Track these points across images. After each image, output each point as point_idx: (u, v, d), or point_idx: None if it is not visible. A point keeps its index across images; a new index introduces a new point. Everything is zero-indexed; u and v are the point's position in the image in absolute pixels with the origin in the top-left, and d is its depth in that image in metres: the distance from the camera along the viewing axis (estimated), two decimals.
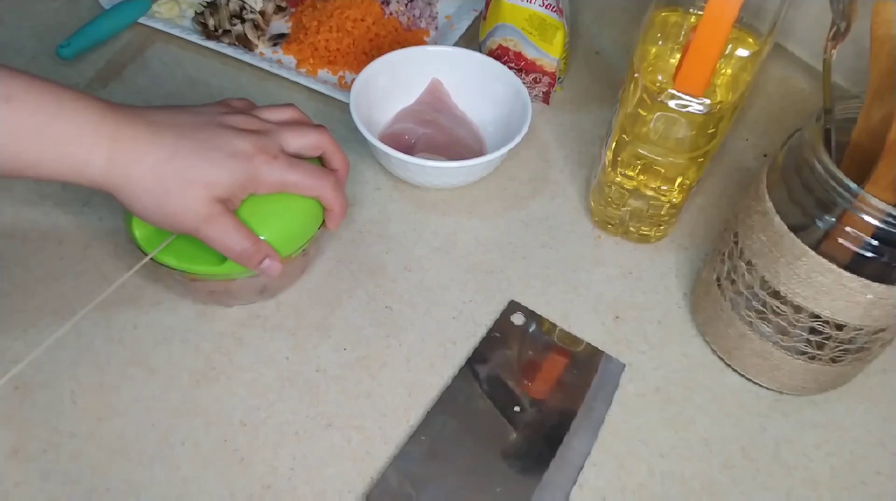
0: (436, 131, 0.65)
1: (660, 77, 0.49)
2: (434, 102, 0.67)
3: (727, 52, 0.47)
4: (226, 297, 0.52)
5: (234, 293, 0.52)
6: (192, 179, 0.44)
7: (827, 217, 0.42)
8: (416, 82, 0.68)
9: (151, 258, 0.47)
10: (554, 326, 0.55)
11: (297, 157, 0.49)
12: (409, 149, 0.62)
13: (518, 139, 0.59)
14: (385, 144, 0.59)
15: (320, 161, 0.52)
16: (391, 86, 0.66)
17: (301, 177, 0.48)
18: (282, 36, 0.74)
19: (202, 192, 0.44)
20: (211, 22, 0.72)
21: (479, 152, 0.64)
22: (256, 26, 0.73)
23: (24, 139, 0.40)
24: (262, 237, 0.47)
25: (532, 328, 0.55)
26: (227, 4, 0.72)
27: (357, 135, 0.66)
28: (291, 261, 0.51)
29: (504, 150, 0.59)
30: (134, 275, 0.55)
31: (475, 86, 0.67)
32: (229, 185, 0.45)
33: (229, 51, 0.70)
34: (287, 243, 0.49)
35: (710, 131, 0.50)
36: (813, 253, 0.43)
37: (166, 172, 0.43)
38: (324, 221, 0.52)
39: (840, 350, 0.47)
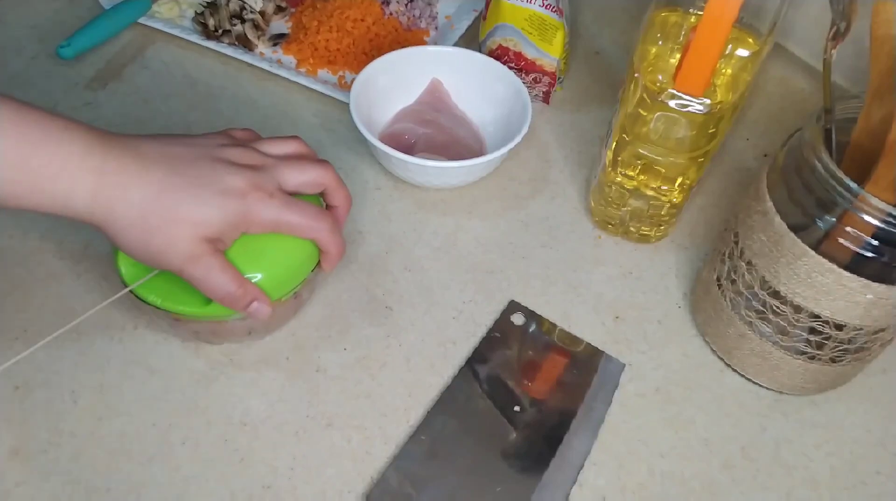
0: (436, 131, 0.65)
1: (660, 77, 0.49)
2: (434, 102, 0.68)
3: (727, 52, 0.47)
4: (211, 336, 0.50)
5: (220, 334, 0.50)
6: (179, 217, 0.42)
7: (827, 217, 0.42)
8: (417, 82, 0.68)
9: (136, 295, 0.46)
10: (554, 326, 0.55)
11: (297, 193, 0.47)
12: (408, 149, 0.62)
13: (518, 139, 0.59)
14: (385, 143, 0.59)
15: (322, 196, 0.50)
16: (391, 86, 0.66)
17: (297, 218, 0.45)
18: (282, 36, 0.74)
19: (189, 231, 0.42)
20: (211, 22, 0.72)
21: (479, 152, 0.64)
22: (256, 26, 0.73)
23: (5, 171, 0.38)
24: (254, 278, 0.45)
25: (532, 327, 0.55)
26: (227, 4, 0.72)
27: (357, 135, 0.66)
28: (282, 304, 0.49)
29: (504, 150, 0.59)
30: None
31: (475, 86, 0.67)
32: (219, 224, 0.43)
33: (229, 51, 0.71)
34: (278, 286, 0.47)
35: (710, 131, 0.50)
36: (813, 253, 0.43)
37: (153, 209, 0.41)
38: (319, 262, 0.49)
39: (840, 350, 0.47)
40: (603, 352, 0.54)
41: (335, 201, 0.50)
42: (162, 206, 0.41)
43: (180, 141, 0.45)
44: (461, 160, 0.58)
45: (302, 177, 0.47)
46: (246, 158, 0.45)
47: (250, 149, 0.46)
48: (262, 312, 0.46)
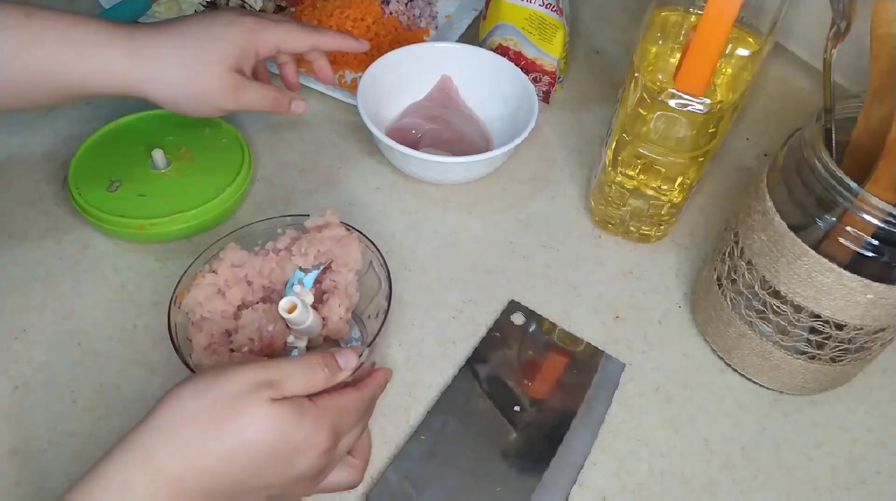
0: (442, 127, 0.65)
1: (660, 76, 0.49)
2: (443, 99, 0.68)
3: (727, 51, 0.47)
4: None
5: None
6: (207, 58, 0.50)
7: (827, 217, 0.42)
8: (426, 78, 0.68)
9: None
10: (554, 325, 0.55)
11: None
12: (414, 144, 0.62)
13: (524, 135, 0.59)
14: (391, 138, 0.59)
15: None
16: (399, 81, 0.66)
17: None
18: None
19: (219, 67, 0.50)
20: None
21: (485, 150, 0.64)
22: None
23: (49, 46, 0.46)
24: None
25: (532, 327, 0.55)
26: (227, 4, 0.72)
27: (358, 134, 0.66)
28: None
29: (506, 148, 0.59)
30: (134, 274, 0.55)
31: (484, 83, 0.67)
32: (236, 53, 0.51)
33: None
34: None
35: (710, 131, 0.50)
36: (813, 253, 0.43)
37: (186, 59, 0.50)
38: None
39: (840, 350, 0.47)
40: (603, 352, 0.54)
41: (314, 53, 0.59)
42: (190, 52, 0.50)
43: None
44: (464, 156, 0.58)
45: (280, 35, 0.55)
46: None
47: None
48: (301, 107, 0.58)
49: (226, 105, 0.53)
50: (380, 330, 0.47)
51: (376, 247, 0.50)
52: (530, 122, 0.60)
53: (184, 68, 0.50)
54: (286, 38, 0.55)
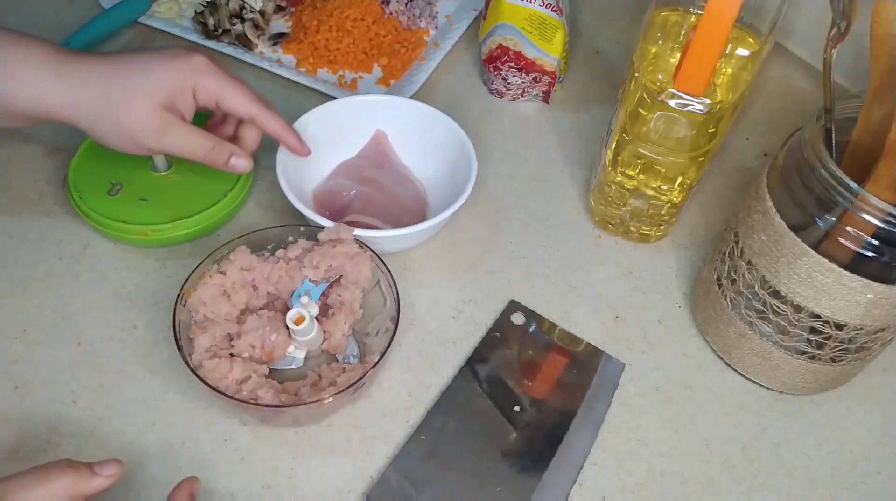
0: (374, 190, 0.59)
1: (660, 76, 0.49)
2: (376, 156, 0.62)
3: (727, 51, 0.47)
4: (261, 422, 0.49)
5: (268, 422, 0.49)
6: (134, 88, 0.47)
7: (827, 217, 0.42)
8: (359, 133, 0.62)
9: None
10: (554, 326, 0.55)
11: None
12: (344, 208, 0.58)
13: (461, 201, 0.54)
14: (320, 200, 0.58)
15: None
16: (329, 137, 0.60)
17: (240, 87, 0.51)
18: (282, 35, 0.73)
19: (147, 101, 0.47)
20: (211, 21, 0.71)
21: (419, 214, 0.59)
22: (256, 26, 0.73)
23: None
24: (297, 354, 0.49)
25: (532, 327, 0.55)
26: (227, 4, 0.72)
27: None
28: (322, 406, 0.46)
29: (437, 219, 0.53)
30: (134, 274, 0.55)
31: (420, 137, 0.61)
32: (168, 88, 0.47)
33: (229, 50, 0.70)
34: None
35: (710, 131, 0.50)
36: (813, 253, 0.43)
37: (111, 83, 0.46)
38: None
39: (840, 350, 0.47)
40: (603, 352, 0.54)
41: (269, 129, 0.53)
42: (118, 78, 0.47)
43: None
44: (390, 229, 0.54)
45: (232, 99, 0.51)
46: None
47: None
48: (241, 165, 0.52)
49: (148, 143, 0.48)
50: (384, 353, 0.47)
51: (387, 268, 0.50)
52: (468, 183, 0.55)
53: (105, 97, 0.46)
54: (228, 94, 0.50)
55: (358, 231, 0.51)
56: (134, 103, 0.47)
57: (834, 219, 0.42)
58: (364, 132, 0.62)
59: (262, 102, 0.52)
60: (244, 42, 0.72)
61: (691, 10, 0.49)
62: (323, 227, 0.52)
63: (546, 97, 0.70)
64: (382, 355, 0.46)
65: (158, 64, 0.48)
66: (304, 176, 0.58)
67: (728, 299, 0.50)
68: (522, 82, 0.69)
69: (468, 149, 0.58)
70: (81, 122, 0.47)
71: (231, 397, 0.45)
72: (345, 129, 0.61)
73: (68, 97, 0.46)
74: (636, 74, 0.50)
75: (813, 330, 0.46)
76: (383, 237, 0.53)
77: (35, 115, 0.47)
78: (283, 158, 0.55)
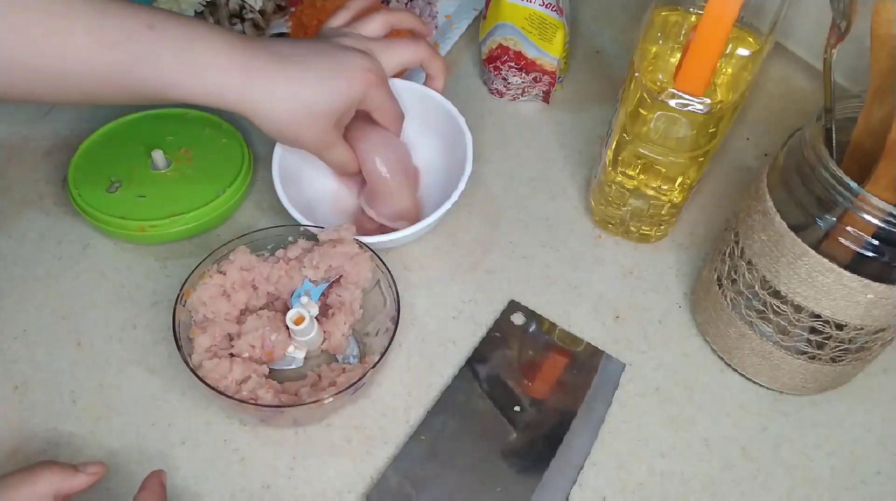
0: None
1: (660, 76, 0.49)
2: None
3: (728, 51, 0.47)
4: (260, 422, 0.50)
5: (268, 422, 0.49)
6: (316, 111, 0.49)
7: (828, 217, 0.42)
8: None
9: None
10: (554, 326, 0.55)
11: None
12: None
13: (462, 186, 0.55)
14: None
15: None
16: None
17: (390, 97, 0.55)
18: (282, 35, 0.73)
19: (324, 122, 0.50)
20: (210, 21, 0.71)
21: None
22: (256, 26, 0.72)
23: (165, 62, 0.45)
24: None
25: (532, 327, 0.55)
26: (227, 4, 0.72)
27: None
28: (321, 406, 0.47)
29: (441, 210, 0.54)
30: (134, 274, 0.55)
31: (417, 121, 0.60)
32: (343, 108, 0.51)
33: None
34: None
35: (710, 131, 0.50)
36: (814, 253, 0.43)
37: (294, 106, 0.49)
38: None
39: (840, 350, 0.47)
40: (603, 352, 0.54)
41: (432, 71, 0.58)
42: (302, 102, 0.49)
43: (305, 41, 0.54)
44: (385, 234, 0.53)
45: (399, 58, 0.55)
46: (356, 44, 0.53)
47: (355, 37, 0.54)
48: (355, 178, 0.58)
49: (310, 151, 0.53)
50: (384, 353, 0.47)
51: (387, 268, 0.50)
52: (466, 160, 0.56)
53: (292, 114, 0.49)
54: (382, 114, 0.55)
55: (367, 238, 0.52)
56: (315, 123, 0.50)
57: (834, 219, 0.42)
58: None
59: (401, 120, 0.57)
60: None
61: (691, 10, 0.49)
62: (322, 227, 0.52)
63: (546, 97, 0.70)
64: (382, 355, 0.46)
65: (337, 75, 0.50)
66: (303, 173, 0.58)
67: (728, 299, 0.50)
68: (522, 82, 0.69)
69: (463, 131, 0.58)
70: (263, 125, 0.49)
71: (231, 397, 0.45)
72: None
73: (253, 107, 0.48)
74: (636, 74, 0.50)
75: (813, 330, 0.46)
76: (386, 240, 0.53)
77: (208, 103, 0.48)
78: (278, 171, 0.55)
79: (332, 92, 0.50)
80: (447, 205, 0.54)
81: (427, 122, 0.60)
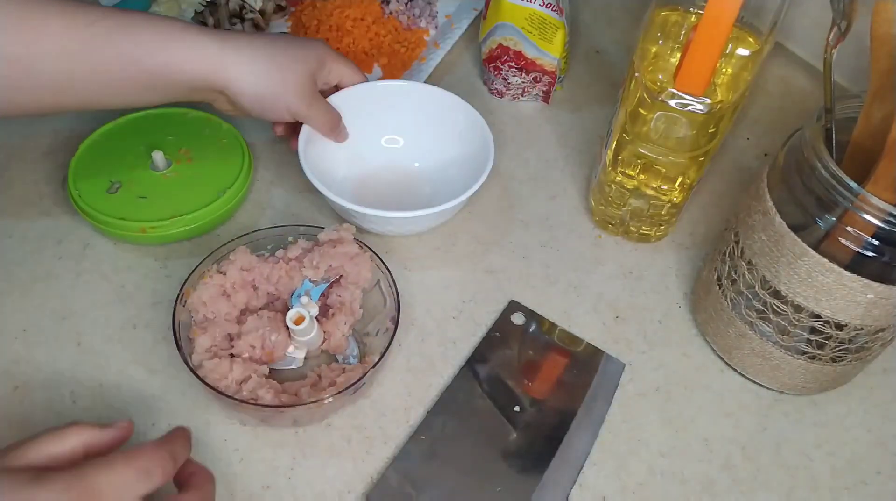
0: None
1: (660, 76, 0.49)
2: None
3: (727, 51, 0.47)
4: (260, 422, 0.49)
5: (267, 421, 0.49)
6: (294, 67, 0.53)
7: (828, 217, 0.42)
8: (378, 118, 0.62)
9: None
10: (554, 326, 0.55)
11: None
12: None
13: (482, 180, 0.55)
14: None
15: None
16: (348, 122, 0.60)
17: None
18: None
19: (304, 67, 0.53)
20: (210, 21, 0.71)
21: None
22: (256, 26, 0.73)
23: (144, 33, 0.47)
24: None
25: (532, 327, 0.55)
26: (227, 4, 0.72)
27: None
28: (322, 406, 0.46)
29: (458, 200, 0.54)
30: (134, 274, 0.55)
31: (437, 125, 0.62)
32: (316, 64, 0.55)
33: None
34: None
35: (710, 131, 0.50)
36: (814, 253, 0.43)
37: (272, 67, 0.51)
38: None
39: (840, 350, 0.47)
40: (603, 352, 0.54)
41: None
42: (279, 47, 0.52)
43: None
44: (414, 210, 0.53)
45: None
46: None
47: None
48: (344, 133, 0.60)
49: (298, 108, 0.54)
50: (384, 353, 0.47)
51: (387, 268, 0.50)
52: (488, 161, 0.56)
53: (272, 60, 0.51)
54: (346, 75, 0.58)
55: (370, 211, 0.52)
56: (298, 67, 0.53)
57: (834, 219, 0.42)
58: (384, 118, 0.63)
59: (361, 72, 0.60)
60: None
61: (691, 9, 0.49)
62: (322, 227, 0.52)
63: (546, 97, 0.70)
64: (382, 355, 0.46)
65: (300, 41, 0.55)
66: (325, 159, 0.58)
67: (728, 299, 0.50)
68: (522, 82, 0.69)
69: (486, 134, 0.59)
70: (244, 83, 0.51)
71: (231, 397, 0.45)
72: (364, 114, 0.61)
73: (235, 58, 0.50)
74: (636, 74, 0.50)
75: (813, 330, 0.46)
76: (400, 219, 0.54)
77: (192, 79, 0.49)
78: (304, 138, 0.56)
79: (302, 46, 0.54)
80: (469, 192, 0.54)
81: (448, 124, 0.62)
